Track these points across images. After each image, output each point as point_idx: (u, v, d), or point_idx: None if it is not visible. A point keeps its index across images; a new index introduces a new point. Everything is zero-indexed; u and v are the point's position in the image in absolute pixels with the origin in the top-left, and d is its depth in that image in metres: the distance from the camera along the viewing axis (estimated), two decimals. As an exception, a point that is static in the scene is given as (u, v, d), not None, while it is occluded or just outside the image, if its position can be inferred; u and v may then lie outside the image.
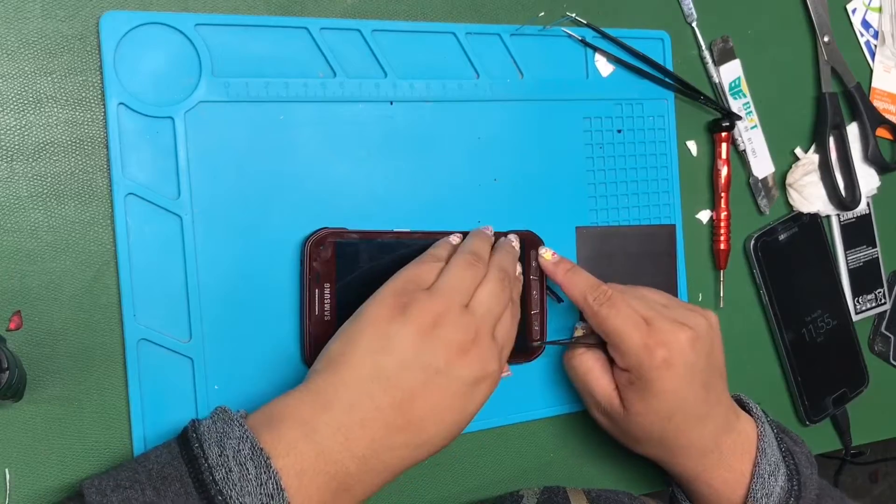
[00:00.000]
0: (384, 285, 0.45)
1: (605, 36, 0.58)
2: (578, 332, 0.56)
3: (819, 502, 0.51)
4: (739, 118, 0.63)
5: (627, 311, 0.49)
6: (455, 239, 0.50)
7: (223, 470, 0.37)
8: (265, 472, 0.37)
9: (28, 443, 0.44)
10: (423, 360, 0.41)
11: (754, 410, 0.53)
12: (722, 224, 0.62)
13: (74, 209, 0.45)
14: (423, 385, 0.41)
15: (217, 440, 0.39)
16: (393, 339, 0.42)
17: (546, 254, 0.53)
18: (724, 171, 0.62)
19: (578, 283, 0.51)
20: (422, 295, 0.43)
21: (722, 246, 0.62)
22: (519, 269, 0.52)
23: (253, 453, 0.38)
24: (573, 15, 0.57)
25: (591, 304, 0.50)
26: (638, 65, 0.59)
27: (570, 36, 0.57)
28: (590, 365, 0.52)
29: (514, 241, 0.52)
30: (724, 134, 0.62)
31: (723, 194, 0.62)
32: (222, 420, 0.40)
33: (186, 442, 0.39)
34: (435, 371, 0.42)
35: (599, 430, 0.55)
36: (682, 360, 0.48)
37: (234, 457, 0.37)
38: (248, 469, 0.37)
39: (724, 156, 0.62)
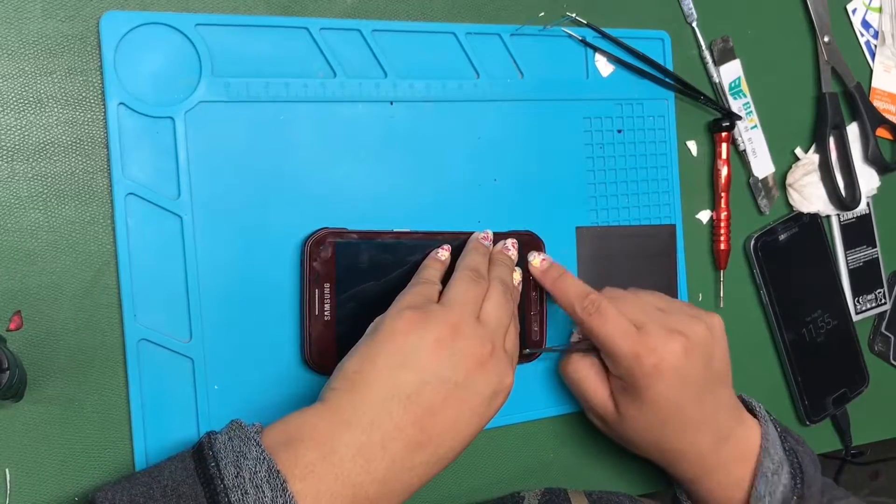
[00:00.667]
0: (395, 302, 0.44)
1: (605, 36, 0.58)
2: (575, 338, 0.55)
3: (824, 500, 0.51)
4: (739, 118, 0.63)
5: (616, 321, 0.48)
6: (442, 254, 0.50)
7: (239, 492, 0.37)
8: (281, 496, 0.37)
9: (28, 443, 0.44)
10: (443, 374, 0.41)
11: (758, 410, 0.53)
12: (722, 224, 0.62)
13: (74, 209, 0.45)
14: (443, 400, 0.41)
15: (234, 460, 0.38)
16: (412, 352, 0.41)
17: (535, 260, 0.52)
18: (724, 171, 0.62)
19: (567, 292, 0.50)
20: (436, 307, 0.43)
21: (722, 246, 0.62)
22: (518, 276, 0.51)
23: (270, 476, 0.37)
24: (573, 15, 0.57)
25: (578, 314, 0.49)
26: (638, 65, 0.59)
27: (570, 36, 0.57)
28: (584, 372, 0.52)
29: (511, 248, 0.51)
30: (724, 134, 0.62)
31: (723, 194, 0.62)
32: (239, 437, 0.39)
33: (203, 460, 0.39)
34: (454, 385, 0.41)
35: (599, 430, 0.55)
36: (673, 368, 0.48)
37: (250, 479, 0.37)
38: (264, 492, 0.37)
39: (724, 156, 0.62)
